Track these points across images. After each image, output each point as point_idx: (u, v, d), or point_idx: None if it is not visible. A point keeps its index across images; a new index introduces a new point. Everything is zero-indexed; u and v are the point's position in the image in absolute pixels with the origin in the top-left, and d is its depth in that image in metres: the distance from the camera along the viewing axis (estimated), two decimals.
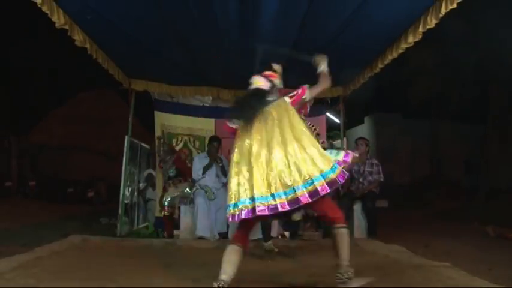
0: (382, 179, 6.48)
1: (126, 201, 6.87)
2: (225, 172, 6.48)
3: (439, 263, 4.03)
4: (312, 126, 3.95)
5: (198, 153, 7.31)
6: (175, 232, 6.63)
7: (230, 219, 2.97)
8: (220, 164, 6.40)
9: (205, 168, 6.33)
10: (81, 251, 4.79)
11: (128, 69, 6.64)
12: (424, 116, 18.80)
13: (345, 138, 7.40)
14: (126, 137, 6.87)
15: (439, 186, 16.55)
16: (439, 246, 5.73)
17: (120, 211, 6.66)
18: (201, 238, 5.90)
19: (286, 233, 6.40)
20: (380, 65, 5.74)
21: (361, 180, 6.52)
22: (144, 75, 6.95)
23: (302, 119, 3.23)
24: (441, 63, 15.68)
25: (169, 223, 6.57)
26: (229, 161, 7.03)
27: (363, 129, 19.89)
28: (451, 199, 14.21)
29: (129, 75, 6.84)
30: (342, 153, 3.57)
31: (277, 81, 3.41)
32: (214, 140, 6.46)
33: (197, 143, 7.67)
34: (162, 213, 6.58)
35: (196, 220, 5.98)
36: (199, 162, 6.48)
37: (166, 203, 6.44)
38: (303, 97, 3.30)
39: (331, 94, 7.46)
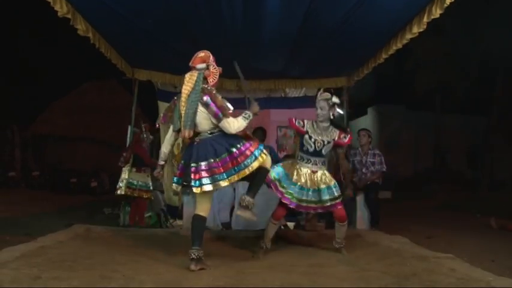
0: (384, 169, 6.46)
1: None
2: None
3: (441, 254, 4.03)
4: None
5: None
6: (179, 222, 6.63)
7: None
8: None
9: None
10: (85, 240, 4.80)
11: (131, 59, 6.62)
12: (428, 107, 18.74)
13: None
14: (129, 127, 6.86)
15: (442, 178, 16.54)
16: (442, 237, 5.73)
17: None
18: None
19: (290, 224, 6.41)
20: (384, 56, 5.69)
21: (363, 170, 6.50)
22: (147, 64, 6.93)
23: None
24: (445, 54, 15.59)
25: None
26: None
27: (366, 121, 19.82)
28: (454, 191, 14.20)
29: (132, 65, 6.82)
30: None
31: None
32: (260, 129, 6.52)
33: None
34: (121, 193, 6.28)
35: None
36: None
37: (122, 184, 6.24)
38: None
39: (335, 84, 7.41)
